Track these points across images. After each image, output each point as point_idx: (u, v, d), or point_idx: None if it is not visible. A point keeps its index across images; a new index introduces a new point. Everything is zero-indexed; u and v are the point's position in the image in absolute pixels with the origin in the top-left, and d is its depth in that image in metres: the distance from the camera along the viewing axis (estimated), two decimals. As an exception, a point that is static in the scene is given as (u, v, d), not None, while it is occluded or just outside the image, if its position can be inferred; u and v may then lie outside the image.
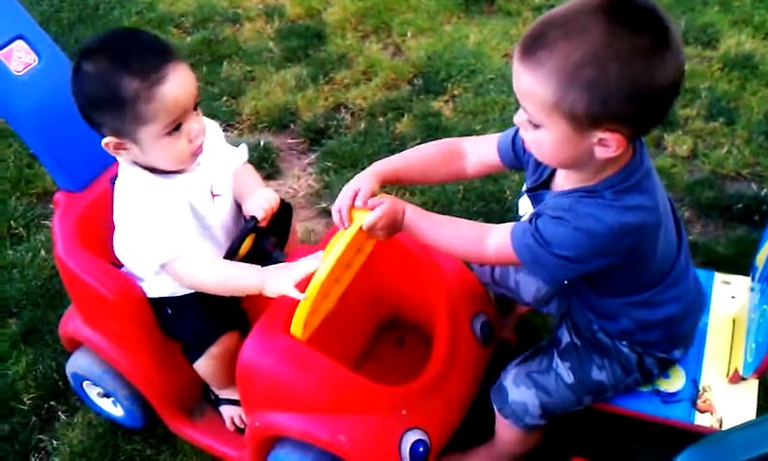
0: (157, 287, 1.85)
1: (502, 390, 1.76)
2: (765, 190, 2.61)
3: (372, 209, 1.56)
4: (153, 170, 1.73)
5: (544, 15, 1.34)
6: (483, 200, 2.63)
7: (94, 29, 3.62)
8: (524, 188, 1.68)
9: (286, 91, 3.21)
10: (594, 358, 1.71)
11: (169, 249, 1.72)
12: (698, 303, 1.74)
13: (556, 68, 1.29)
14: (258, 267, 1.73)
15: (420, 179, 1.78)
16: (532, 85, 1.33)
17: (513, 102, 2.98)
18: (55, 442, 2.15)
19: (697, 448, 1.30)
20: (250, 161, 1.97)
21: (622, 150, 1.36)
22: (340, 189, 1.62)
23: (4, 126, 2.99)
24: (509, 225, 1.54)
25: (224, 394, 2.03)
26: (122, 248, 1.79)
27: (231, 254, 1.80)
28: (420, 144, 1.83)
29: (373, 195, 1.60)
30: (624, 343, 1.69)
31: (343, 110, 3.11)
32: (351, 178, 1.66)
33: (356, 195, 1.59)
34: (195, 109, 1.69)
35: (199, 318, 1.87)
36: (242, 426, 2.00)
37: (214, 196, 1.83)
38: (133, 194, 1.74)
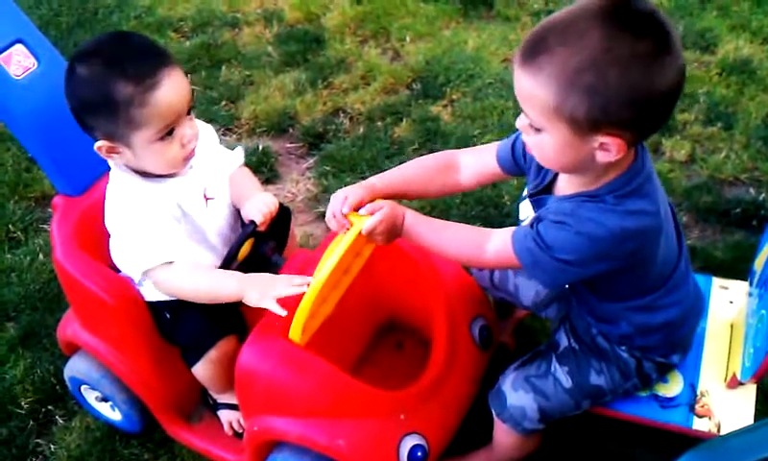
0: (156, 291, 1.85)
1: (500, 394, 1.76)
2: (763, 195, 2.61)
3: (372, 214, 1.56)
4: (144, 174, 1.73)
5: (545, 20, 1.35)
6: (481, 204, 2.64)
7: (93, 33, 3.62)
8: (525, 193, 1.68)
9: (285, 96, 3.21)
10: (593, 363, 1.71)
11: (151, 257, 1.72)
12: (697, 308, 1.74)
13: (556, 73, 1.29)
14: (239, 274, 1.73)
15: (413, 193, 1.78)
16: (532, 90, 1.33)
17: (511, 107, 2.99)
18: (52, 446, 2.14)
19: (695, 452, 1.31)
20: (248, 166, 1.98)
21: (623, 154, 1.37)
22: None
23: (2, 130, 2.99)
24: (509, 229, 1.54)
25: (222, 398, 2.02)
26: (114, 252, 1.79)
27: (230, 259, 1.80)
28: (418, 149, 1.83)
29: (372, 201, 1.60)
30: (623, 348, 1.69)
31: (341, 115, 3.11)
32: (350, 182, 1.67)
33: (346, 200, 1.58)
34: (188, 113, 1.69)
35: (197, 322, 1.87)
36: (240, 431, 2.00)
37: (207, 199, 1.83)
38: (122, 200, 1.74)
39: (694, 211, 2.58)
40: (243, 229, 1.82)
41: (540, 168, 1.58)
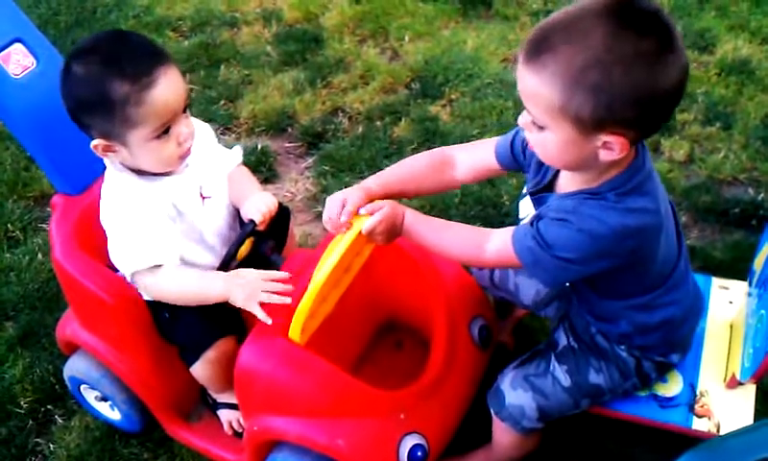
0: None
1: (499, 393, 1.76)
2: (762, 195, 2.62)
3: (372, 214, 1.56)
4: (139, 172, 1.73)
5: (549, 18, 1.35)
6: (480, 204, 2.64)
7: (91, 32, 3.60)
8: (525, 190, 1.68)
9: (284, 95, 3.21)
10: (592, 361, 1.72)
11: (138, 261, 1.72)
12: (696, 308, 1.75)
13: (561, 71, 1.29)
14: (224, 274, 1.74)
15: (410, 192, 1.79)
16: (537, 88, 1.33)
17: (510, 106, 2.99)
18: (52, 445, 2.14)
19: (695, 452, 1.31)
20: (247, 165, 1.97)
21: (626, 153, 1.37)
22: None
23: (1, 129, 2.98)
24: (509, 229, 1.54)
25: (222, 398, 2.02)
26: (110, 252, 1.80)
27: (229, 258, 1.80)
28: (417, 148, 1.83)
29: (371, 201, 1.60)
30: (622, 347, 1.69)
31: (340, 114, 3.11)
32: (349, 182, 1.67)
33: (344, 206, 1.57)
34: (184, 112, 1.69)
35: (195, 322, 1.87)
36: (240, 430, 2.00)
37: (204, 198, 1.82)
38: (115, 200, 1.74)
39: (693, 211, 2.58)
40: (242, 228, 1.82)
41: (540, 165, 1.59)
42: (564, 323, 1.79)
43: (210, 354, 1.87)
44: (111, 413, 2.12)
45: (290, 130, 3.08)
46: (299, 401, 1.71)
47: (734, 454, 1.31)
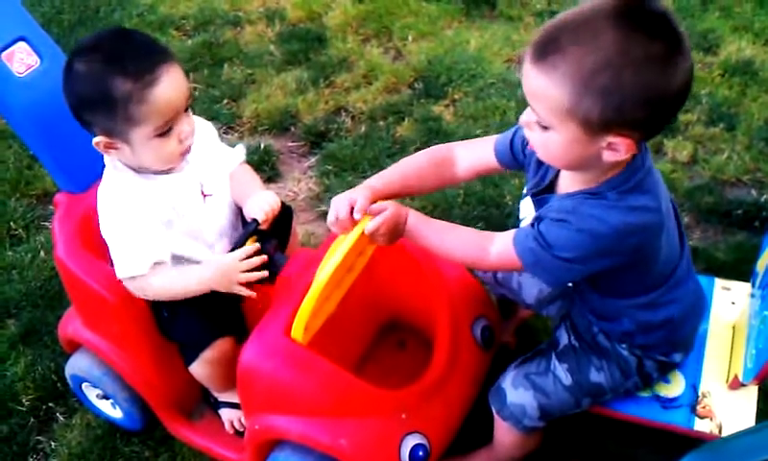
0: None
1: (500, 392, 1.76)
2: (765, 196, 2.61)
3: (375, 215, 1.56)
4: (139, 170, 1.73)
5: (557, 18, 1.34)
6: (483, 204, 2.63)
7: (94, 31, 3.61)
8: (525, 190, 1.68)
9: (287, 94, 3.21)
10: (593, 360, 1.72)
11: (126, 267, 1.73)
12: (698, 307, 1.74)
13: (570, 73, 1.29)
14: (202, 265, 1.77)
15: (412, 190, 1.79)
16: (545, 89, 1.33)
17: (513, 107, 2.98)
18: (53, 443, 2.15)
19: (697, 454, 1.31)
20: (250, 164, 1.97)
21: (631, 153, 1.37)
22: (340, 193, 1.61)
23: (4, 127, 2.99)
24: (511, 231, 1.54)
25: (223, 397, 2.02)
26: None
27: (232, 257, 1.80)
28: (420, 148, 1.83)
29: (375, 201, 1.60)
30: (624, 346, 1.69)
31: (343, 114, 3.11)
32: (352, 181, 1.67)
33: (352, 206, 1.57)
34: (186, 110, 1.69)
35: (193, 322, 1.87)
36: (241, 430, 2.00)
37: (205, 196, 1.82)
38: (109, 203, 1.74)
39: (696, 212, 2.58)
40: (245, 227, 1.82)
41: (539, 165, 1.59)
42: (565, 322, 1.79)
43: (208, 354, 1.87)
44: (113, 411, 2.12)
45: (293, 129, 3.08)
46: (301, 401, 1.71)
47: (737, 456, 1.31)
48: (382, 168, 1.76)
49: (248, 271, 1.72)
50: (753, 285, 1.87)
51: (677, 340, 1.71)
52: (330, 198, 1.61)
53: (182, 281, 1.77)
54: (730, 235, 2.50)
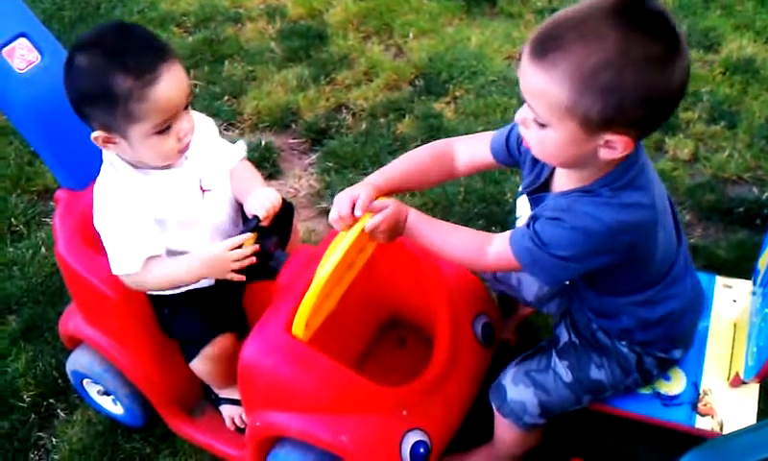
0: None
1: (501, 389, 1.76)
2: (766, 194, 2.61)
3: (376, 212, 1.56)
4: (137, 165, 1.73)
5: (556, 16, 1.34)
6: (484, 201, 2.63)
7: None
8: (521, 189, 1.68)
9: (287, 91, 3.21)
10: (593, 357, 1.72)
11: (119, 265, 1.73)
12: (697, 303, 1.74)
13: (570, 71, 1.29)
14: (193, 256, 1.76)
15: (413, 186, 1.81)
16: (544, 86, 1.33)
17: (514, 104, 2.98)
18: (54, 439, 2.15)
19: (698, 452, 1.31)
20: (251, 161, 1.97)
21: (629, 151, 1.37)
22: (341, 190, 1.61)
23: (4, 123, 2.99)
24: (508, 232, 1.55)
25: (224, 393, 2.02)
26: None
27: (233, 254, 1.80)
28: (420, 145, 1.83)
29: (377, 197, 1.60)
30: (623, 343, 1.69)
31: (344, 111, 3.11)
32: (353, 178, 1.67)
33: (354, 203, 1.58)
34: (186, 108, 1.69)
35: (194, 318, 1.87)
36: (242, 426, 2.00)
37: (204, 191, 1.82)
38: (105, 200, 1.74)
39: (697, 210, 2.58)
40: (246, 223, 1.82)
41: (534, 163, 1.59)
42: (565, 319, 1.79)
43: (209, 350, 1.87)
44: (114, 407, 2.12)
45: (294, 126, 3.08)
46: (301, 397, 1.71)
47: (738, 454, 1.31)
48: (383, 165, 1.76)
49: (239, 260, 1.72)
50: (754, 283, 1.87)
51: (676, 336, 1.71)
52: (331, 195, 1.61)
53: (172, 271, 1.76)
54: (731, 233, 2.50)
